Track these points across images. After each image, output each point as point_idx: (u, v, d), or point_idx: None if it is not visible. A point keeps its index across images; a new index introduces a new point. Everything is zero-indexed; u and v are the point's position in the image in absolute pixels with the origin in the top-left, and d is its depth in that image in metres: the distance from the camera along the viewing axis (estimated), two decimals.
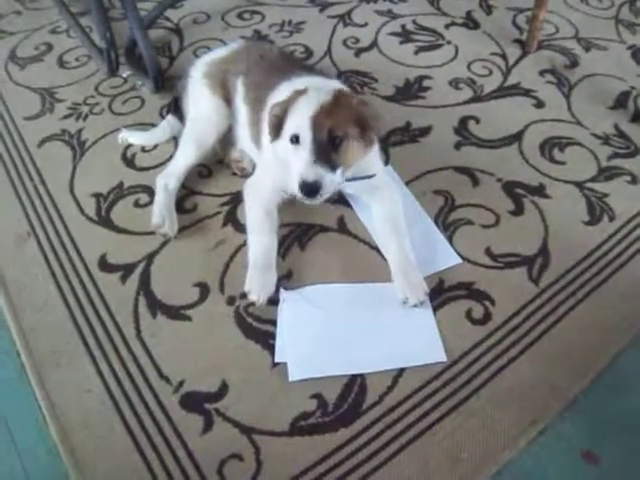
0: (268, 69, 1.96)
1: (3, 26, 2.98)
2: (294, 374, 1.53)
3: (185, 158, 2.01)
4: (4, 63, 2.72)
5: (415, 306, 1.64)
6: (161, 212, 1.88)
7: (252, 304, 1.68)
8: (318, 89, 1.68)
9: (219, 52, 2.15)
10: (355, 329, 1.63)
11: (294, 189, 1.63)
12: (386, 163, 2.07)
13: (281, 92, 1.78)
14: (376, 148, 1.81)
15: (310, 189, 1.58)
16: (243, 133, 2.01)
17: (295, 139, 1.62)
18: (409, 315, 1.65)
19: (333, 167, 1.61)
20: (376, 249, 1.81)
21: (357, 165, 1.72)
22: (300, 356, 1.57)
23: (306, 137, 1.60)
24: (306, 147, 1.60)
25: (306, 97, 1.65)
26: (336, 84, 1.83)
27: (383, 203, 1.84)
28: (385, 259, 1.78)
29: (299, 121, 1.61)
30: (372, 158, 1.80)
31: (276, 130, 1.70)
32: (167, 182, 1.96)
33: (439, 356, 1.57)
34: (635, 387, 1.54)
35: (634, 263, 1.80)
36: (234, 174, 2.06)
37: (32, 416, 1.53)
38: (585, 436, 1.45)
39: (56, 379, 1.57)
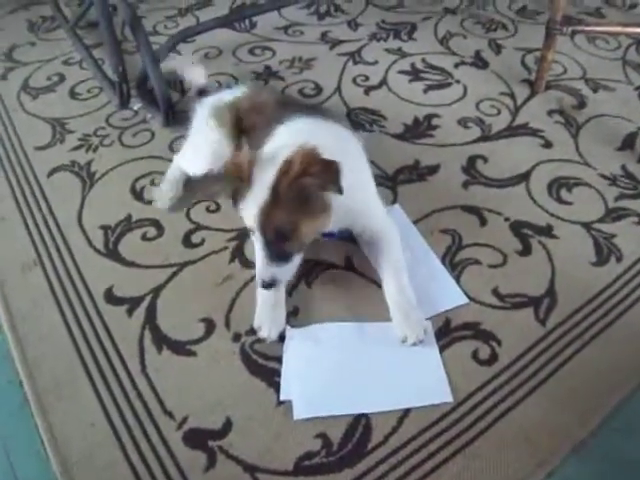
0: (261, 124, 1.93)
1: (17, 56, 3.03)
2: (299, 413, 1.52)
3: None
4: (17, 93, 2.75)
5: (414, 345, 1.63)
6: (165, 186, 2.11)
7: (261, 340, 1.67)
8: (262, 171, 1.55)
9: (226, 96, 2.12)
10: (361, 368, 1.62)
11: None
12: (393, 202, 2.08)
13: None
14: (372, 189, 1.83)
15: (268, 286, 1.59)
16: None
17: (251, 230, 1.62)
18: (415, 355, 1.64)
19: (288, 257, 1.60)
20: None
21: (350, 215, 1.75)
22: (306, 395, 1.56)
23: (258, 235, 1.58)
24: (259, 243, 1.59)
25: (250, 191, 1.56)
26: (302, 138, 1.64)
27: (380, 241, 1.82)
28: None
29: (247, 219, 1.60)
30: (368, 204, 1.81)
31: (233, 201, 1.66)
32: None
33: (445, 397, 1.55)
34: None
35: None
36: None
37: (34, 448, 1.51)
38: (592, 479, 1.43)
39: (59, 411, 1.56)
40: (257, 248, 1.61)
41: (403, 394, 1.56)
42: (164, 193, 2.09)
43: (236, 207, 1.63)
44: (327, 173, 1.50)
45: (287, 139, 1.66)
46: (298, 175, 1.49)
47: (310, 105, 2.10)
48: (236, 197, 1.61)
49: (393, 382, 1.59)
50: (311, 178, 1.50)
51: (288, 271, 1.63)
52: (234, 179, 1.57)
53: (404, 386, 1.58)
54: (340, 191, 1.50)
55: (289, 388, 1.57)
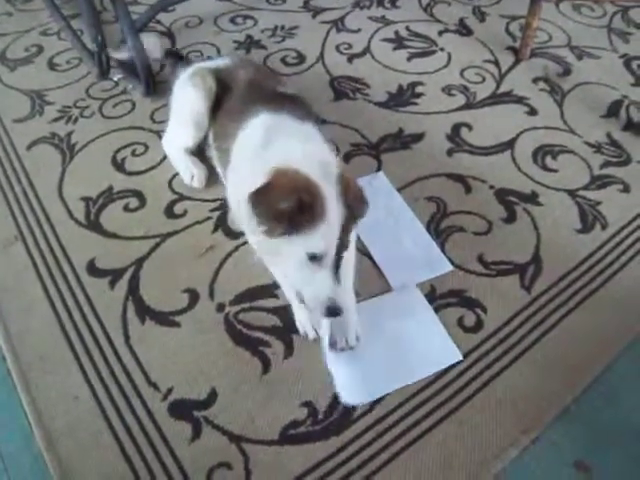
0: (229, 104, 1.94)
1: None
2: (350, 399, 1.50)
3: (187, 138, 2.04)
4: None
5: (342, 350, 1.58)
6: (187, 167, 2.05)
7: (246, 311, 1.67)
8: (329, 186, 1.41)
9: (208, 63, 2.13)
10: (379, 345, 1.60)
11: (311, 307, 1.48)
12: (377, 169, 2.08)
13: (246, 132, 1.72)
14: None
15: (337, 312, 1.44)
16: (214, 159, 1.98)
17: (316, 257, 1.42)
18: (417, 324, 1.64)
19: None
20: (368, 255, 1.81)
21: None
22: (348, 381, 1.54)
23: (329, 257, 1.42)
24: (327, 266, 1.43)
25: (329, 207, 1.39)
26: (317, 149, 1.59)
27: None
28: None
29: (328, 241, 1.41)
30: None
31: (286, 229, 1.40)
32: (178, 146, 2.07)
33: (455, 357, 1.57)
34: (627, 395, 1.54)
35: (626, 271, 1.80)
36: None
37: (17, 422, 1.50)
38: (577, 445, 1.44)
39: (42, 385, 1.55)
40: (321, 274, 1.43)
41: (420, 365, 1.56)
42: (193, 173, 2.04)
43: (294, 231, 1.41)
44: (366, 201, 1.50)
45: (259, 141, 1.61)
46: (357, 194, 1.47)
47: (275, 94, 2.01)
48: (300, 216, 1.38)
49: (409, 355, 1.58)
50: (361, 199, 1.49)
51: None
52: (294, 194, 1.36)
53: (418, 357, 1.58)
54: (363, 216, 1.51)
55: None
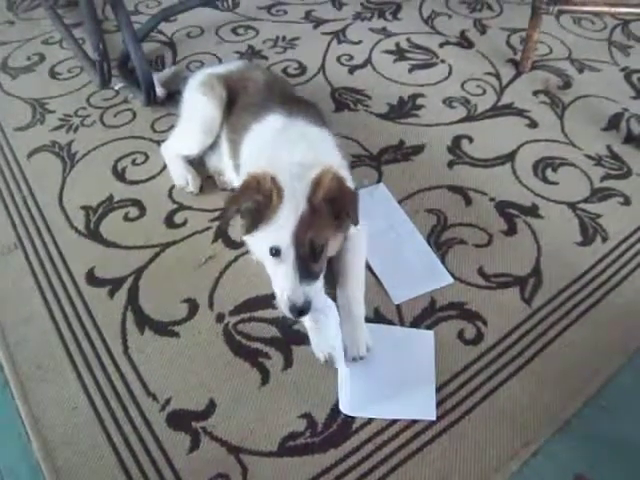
0: (244, 104, 1.96)
1: None
2: (348, 409, 1.49)
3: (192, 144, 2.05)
4: None
5: (354, 360, 1.56)
6: (182, 174, 2.05)
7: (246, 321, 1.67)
8: (294, 186, 1.49)
9: (218, 69, 2.15)
10: (378, 372, 1.57)
11: (280, 306, 1.51)
12: (378, 181, 2.08)
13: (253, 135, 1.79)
14: None
15: (301, 311, 1.46)
16: (224, 153, 2.00)
17: (275, 252, 1.49)
18: (414, 365, 1.59)
19: (316, 276, 1.52)
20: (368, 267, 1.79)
21: None
22: (352, 392, 1.52)
23: (288, 254, 1.47)
24: (289, 264, 1.47)
25: (284, 205, 1.47)
26: (308, 150, 1.65)
27: (346, 247, 1.72)
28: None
29: (279, 236, 1.47)
30: None
31: (250, 225, 1.54)
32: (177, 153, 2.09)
33: (430, 414, 1.49)
34: (628, 409, 1.53)
35: (627, 284, 1.79)
36: (224, 189, 2.04)
37: (15, 432, 1.50)
38: (577, 459, 1.43)
39: (40, 394, 1.55)
40: (282, 270, 1.49)
41: (399, 407, 1.52)
42: (187, 179, 2.05)
43: (255, 227, 1.52)
44: (353, 201, 1.51)
45: (270, 141, 1.70)
46: (332, 193, 1.48)
47: (293, 97, 2.04)
48: (260, 213, 1.50)
49: (396, 392, 1.54)
50: (343, 199, 1.50)
51: (318, 293, 1.52)
52: (256, 195, 1.48)
53: (402, 398, 1.53)
54: (357, 222, 1.52)
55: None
